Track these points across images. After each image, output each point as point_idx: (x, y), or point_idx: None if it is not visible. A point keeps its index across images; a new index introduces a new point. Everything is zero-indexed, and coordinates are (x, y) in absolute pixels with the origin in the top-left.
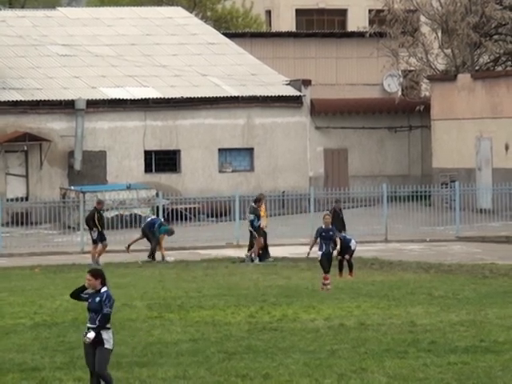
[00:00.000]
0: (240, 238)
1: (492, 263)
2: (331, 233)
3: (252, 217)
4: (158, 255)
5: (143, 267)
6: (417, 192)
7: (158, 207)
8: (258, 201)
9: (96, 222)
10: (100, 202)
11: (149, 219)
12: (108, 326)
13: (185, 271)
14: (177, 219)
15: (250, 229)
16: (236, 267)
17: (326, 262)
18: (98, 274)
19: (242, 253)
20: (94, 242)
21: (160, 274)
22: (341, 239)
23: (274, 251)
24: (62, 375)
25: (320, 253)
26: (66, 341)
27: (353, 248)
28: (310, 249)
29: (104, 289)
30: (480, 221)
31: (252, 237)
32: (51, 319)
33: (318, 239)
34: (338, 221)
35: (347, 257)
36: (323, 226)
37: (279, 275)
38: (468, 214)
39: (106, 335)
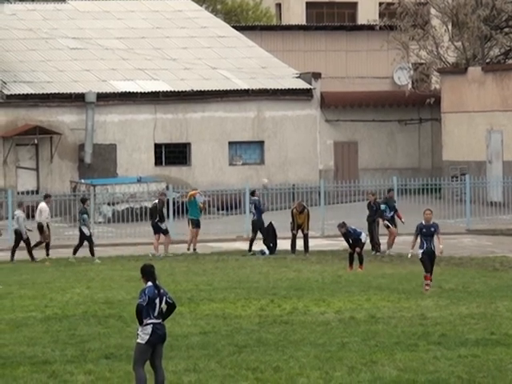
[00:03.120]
0: (250, 231)
1: (503, 256)
2: (432, 229)
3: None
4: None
5: (153, 260)
6: (427, 185)
7: (168, 200)
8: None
9: (161, 213)
10: (163, 194)
11: None
12: (144, 320)
13: (195, 264)
14: (187, 212)
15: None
16: (246, 260)
17: (427, 261)
18: (141, 271)
19: (253, 246)
20: (158, 232)
21: (170, 267)
22: (350, 232)
23: (284, 244)
24: (73, 368)
25: (421, 251)
26: (77, 334)
27: (363, 241)
28: (412, 247)
29: (147, 284)
30: (490, 214)
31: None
32: (62, 312)
33: (418, 236)
34: (372, 214)
35: (358, 250)
36: (423, 222)
37: (289, 268)
38: (478, 207)
39: (139, 329)
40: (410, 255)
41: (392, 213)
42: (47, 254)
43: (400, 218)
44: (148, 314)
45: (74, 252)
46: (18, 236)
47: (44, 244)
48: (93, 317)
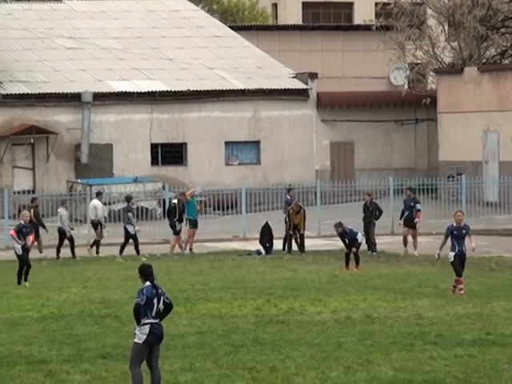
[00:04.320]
0: (247, 231)
1: (498, 256)
2: (464, 231)
3: None
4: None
5: (149, 260)
6: (423, 185)
7: (164, 200)
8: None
9: (179, 213)
10: (183, 194)
11: None
12: (142, 320)
13: (191, 264)
14: (183, 212)
15: None
16: (243, 260)
17: (458, 264)
18: (139, 270)
19: (249, 245)
20: (177, 233)
21: (167, 267)
22: (346, 231)
23: (280, 244)
24: (69, 368)
25: (452, 254)
26: (74, 333)
27: (359, 241)
28: (440, 249)
29: (145, 284)
30: (486, 214)
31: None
32: (58, 312)
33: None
34: (368, 214)
35: (354, 250)
36: (454, 224)
37: (285, 268)
38: (474, 207)
39: (136, 329)
40: (437, 256)
41: (407, 213)
42: (97, 252)
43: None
44: (146, 314)
45: (121, 251)
46: (62, 234)
47: (94, 241)
48: (89, 316)
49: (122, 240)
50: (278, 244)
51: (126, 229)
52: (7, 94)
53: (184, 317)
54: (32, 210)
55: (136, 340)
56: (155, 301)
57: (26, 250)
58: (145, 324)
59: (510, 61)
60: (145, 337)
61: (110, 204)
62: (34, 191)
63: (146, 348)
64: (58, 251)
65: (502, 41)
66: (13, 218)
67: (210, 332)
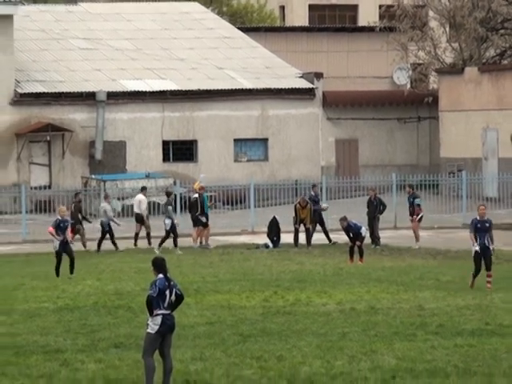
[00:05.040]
0: (255, 225)
1: (497, 249)
2: (487, 224)
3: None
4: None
5: (162, 253)
6: (425, 181)
7: (176, 195)
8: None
9: (201, 206)
10: (203, 188)
11: None
12: (154, 311)
13: (201, 257)
14: (204, 205)
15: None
16: (251, 253)
17: (478, 262)
18: (152, 263)
19: (257, 239)
20: (198, 225)
21: (178, 260)
22: (351, 226)
23: (287, 238)
24: (84, 357)
25: (474, 248)
26: (88, 324)
27: (363, 235)
28: (473, 244)
29: (158, 276)
30: (486, 209)
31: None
32: (73, 303)
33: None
34: (372, 209)
35: (358, 243)
36: (478, 218)
37: (292, 261)
38: (474, 202)
39: (149, 320)
40: (473, 250)
41: (411, 208)
42: (149, 243)
43: (414, 214)
44: (158, 305)
45: (160, 244)
46: (104, 228)
47: (135, 235)
48: (103, 307)
49: (129, 234)
50: (285, 238)
51: (165, 222)
52: (24, 93)
53: (194, 308)
54: (73, 205)
55: (149, 330)
56: (167, 293)
57: (66, 243)
58: (157, 315)
59: (509, 61)
60: (157, 327)
61: (123, 199)
62: (50, 187)
63: (159, 338)
64: (99, 244)
65: (502, 42)
66: (29, 213)
67: (219, 322)
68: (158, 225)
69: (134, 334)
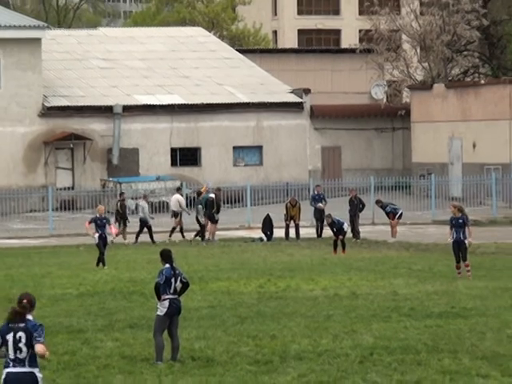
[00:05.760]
0: (251, 222)
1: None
2: (460, 221)
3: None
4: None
5: (170, 245)
6: (399, 183)
7: (182, 195)
8: None
9: (217, 205)
10: (219, 189)
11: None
12: (162, 296)
13: (205, 249)
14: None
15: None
16: (247, 246)
17: (456, 251)
18: (160, 254)
19: (253, 234)
20: (215, 222)
21: (184, 252)
22: (334, 222)
23: (280, 232)
24: (103, 336)
25: (450, 240)
26: (106, 307)
27: (345, 230)
28: (448, 238)
29: (165, 266)
30: (456, 207)
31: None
32: (93, 289)
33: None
34: (353, 207)
35: (341, 237)
36: (453, 215)
37: (284, 252)
38: (442, 201)
39: (158, 304)
40: (449, 240)
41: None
42: (183, 237)
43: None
44: (165, 291)
45: (202, 238)
46: (143, 223)
47: (172, 228)
48: (119, 293)
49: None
50: (277, 232)
51: (197, 219)
52: (51, 107)
53: (198, 293)
54: (119, 204)
55: (158, 313)
56: (173, 280)
57: (104, 237)
58: (165, 299)
59: (471, 78)
60: (165, 310)
61: (136, 199)
62: (73, 188)
63: (167, 319)
64: (137, 237)
65: (465, 62)
66: (55, 211)
67: (220, 306)
68: (164, 221)
69: (146, 316)
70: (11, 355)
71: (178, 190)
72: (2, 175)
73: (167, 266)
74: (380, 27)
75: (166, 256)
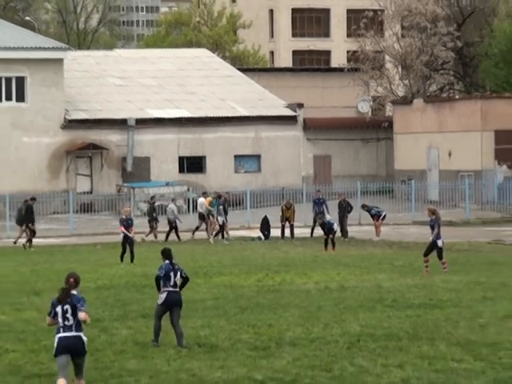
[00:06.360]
0: (250, 222)
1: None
2: (431, 223)
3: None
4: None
5: (179, 243)
6: (383, 187)
7: (189, 199)
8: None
9: (224, 207)
10: (228, 193)
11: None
12: (162, 288)
13: (209, 247)
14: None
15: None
16: (247, 244)
17: (428, 248)
18: (161, 253)
19: (252, 233)
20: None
21: (191, 249)
22: (325, 222)
23: (276, 232)
24: (118, 324)
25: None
26: (121, 299)
27: (335, 230)
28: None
29: (165, 262)
30: (430, 210)
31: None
32: (110, 283)
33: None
34: (342, 209)
35: (331, 236)
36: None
37: (280, 250)
38: (421, 204)
39: (159, 295)
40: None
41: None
42: (208, 235)
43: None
44: (165, 284)
45: (222, 236)
46: (171, 223)
47: (195, 228)
48: (133, 286)
49: (158, 229)
50: (274, 232)
51: (217, 219)
52: (72, 120)
53: (203, 286)
54: (150, 206)
55: (158, 301)
56: (172, 274)
57: (129, 237)
58: (164, 292)
59: (447, 94)
60: (162, 300)
61: (148, 202)
62: (91, 192)
63: (163, 308)
64: (167, 236)
65: (442, 79)
66: (76, 213)
67: (223, 298)
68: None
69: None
70: (61, 323)
71: (204, 193)
72: (29, 181)
73: (167, 262)
74: (365, 48)
75: (166, 254)
